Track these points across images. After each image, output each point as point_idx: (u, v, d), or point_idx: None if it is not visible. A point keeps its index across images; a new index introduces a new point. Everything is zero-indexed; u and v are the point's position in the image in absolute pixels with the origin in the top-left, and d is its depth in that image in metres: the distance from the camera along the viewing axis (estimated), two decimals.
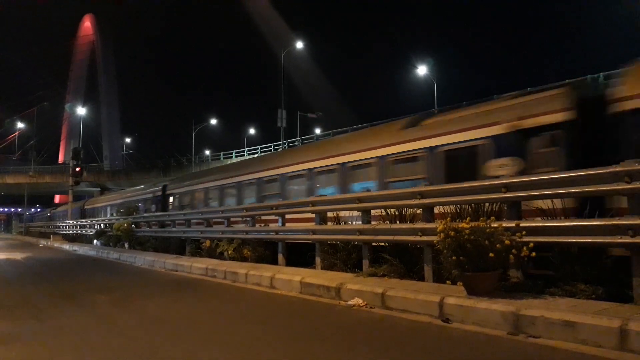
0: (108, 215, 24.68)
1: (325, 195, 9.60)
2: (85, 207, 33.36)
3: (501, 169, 6.55)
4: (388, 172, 9.09)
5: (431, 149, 8.22)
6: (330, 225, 8.50)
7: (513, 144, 6.83)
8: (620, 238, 4.46)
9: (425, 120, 8.99)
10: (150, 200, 20.94)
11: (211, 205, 15.06)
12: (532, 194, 5.32)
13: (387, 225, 7.07)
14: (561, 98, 6.57)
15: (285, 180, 12.04)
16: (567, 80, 12.91)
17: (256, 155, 39.32)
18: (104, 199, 31.49)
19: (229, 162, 45.31)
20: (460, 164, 7.71)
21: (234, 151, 54.54)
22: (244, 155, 50.56)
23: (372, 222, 7.47)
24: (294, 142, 42.84)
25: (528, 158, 6.64)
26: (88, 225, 24.17)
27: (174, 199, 18.46)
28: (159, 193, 19.78)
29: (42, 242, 27.97)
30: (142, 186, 25.84)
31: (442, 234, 5.13)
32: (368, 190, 8.13)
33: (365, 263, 7.24)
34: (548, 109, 6.59)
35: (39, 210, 68.51)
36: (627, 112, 5.75)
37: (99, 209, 29.81)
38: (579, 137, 6.27)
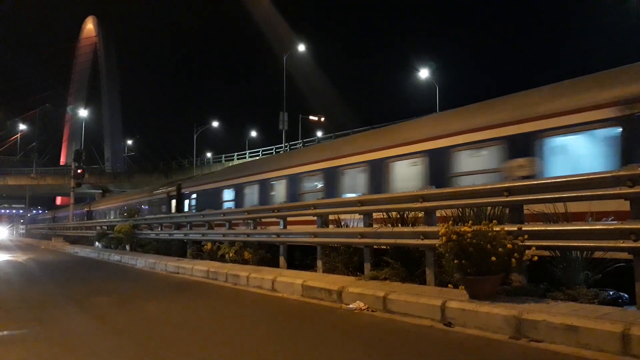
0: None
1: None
2: (184, 190, 18.57)
3: None
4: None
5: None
6: (331, 228, 8.50)
7: None
8: (623, 242, 4.46)
9: None
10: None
11: None
12: (535, 197, 5.31)
13: (388, 229, 7.06)
14: None
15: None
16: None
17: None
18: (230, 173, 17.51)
19: (230, 165, 45.18)
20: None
21: (236, 153, 54.62)
22: (245, 157, 50.59)
23: (374, 225, 7.47)
24: (295, 144, 42.88)
25: None
26: (88, 228, 24.15)
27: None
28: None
29: (44, 244, 28.00)
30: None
31: (444, 238, 5.11)
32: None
33: (367, 266, 7.23)
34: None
35: (39, 211, 68.50)
36: None
37: (218, 190, 16.08)
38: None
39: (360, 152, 10.12)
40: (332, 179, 10.84)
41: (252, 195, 14.30)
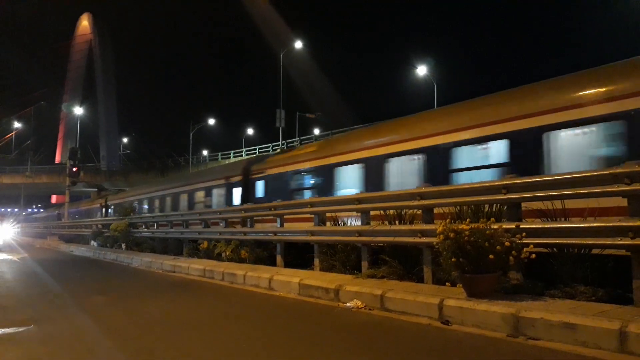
0: None
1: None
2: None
3: None
4: None
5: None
6: (329, 226, 8.47)
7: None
8: (621, 240, 4.46)
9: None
10: None
11: None
12: (533, 195, 5.30)
13: (386, 227, 7.04)
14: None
15: None
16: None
17: None
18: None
19: (226, 162, 45.16)
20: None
21: (232, 151, 54.51)
22: (241, 155, 50.51)
23: (372, 223, 7.45)
24: (292, 142, 42.80)
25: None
26: (84, 226, 24.10)
27: None
28: None
29: (39, 243, 27.89)
30: None
31: (441, 236, 5.10)
32: None
33: (364, 264, 7.21)
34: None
35: (35, 210, 68.15)
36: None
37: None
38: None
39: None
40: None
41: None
